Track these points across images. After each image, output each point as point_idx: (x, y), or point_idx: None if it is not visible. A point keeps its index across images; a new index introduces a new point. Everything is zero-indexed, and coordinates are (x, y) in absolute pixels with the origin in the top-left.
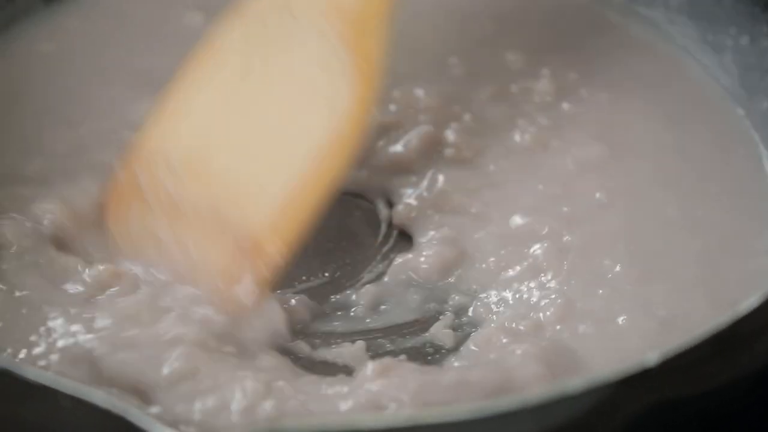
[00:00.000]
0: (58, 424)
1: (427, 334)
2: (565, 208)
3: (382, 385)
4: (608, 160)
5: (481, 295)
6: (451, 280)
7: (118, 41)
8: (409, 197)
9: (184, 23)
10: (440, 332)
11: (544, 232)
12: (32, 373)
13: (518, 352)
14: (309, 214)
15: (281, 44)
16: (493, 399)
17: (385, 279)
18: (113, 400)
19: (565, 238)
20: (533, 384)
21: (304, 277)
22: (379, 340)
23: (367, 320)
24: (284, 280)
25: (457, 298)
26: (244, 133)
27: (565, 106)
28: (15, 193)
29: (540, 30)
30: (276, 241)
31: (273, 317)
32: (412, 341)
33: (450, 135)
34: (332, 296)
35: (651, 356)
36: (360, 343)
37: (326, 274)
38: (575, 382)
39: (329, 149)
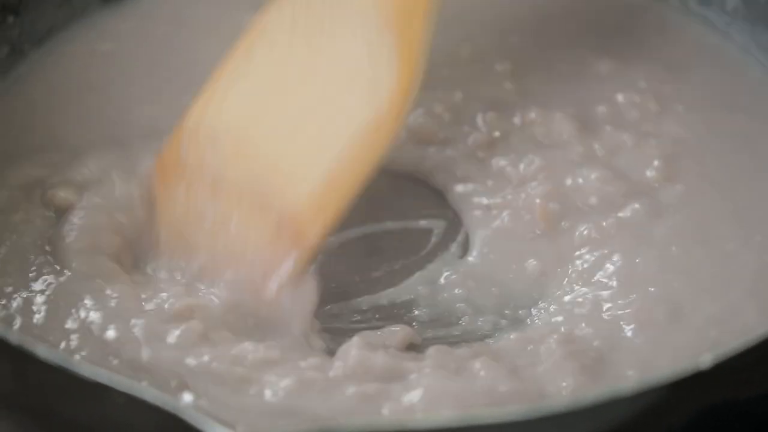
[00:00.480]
0: (110, 421)
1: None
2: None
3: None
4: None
5: (540, 305)
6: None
7: (176, 42)
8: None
9: (242, 24)
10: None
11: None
12: (87, 370)
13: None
14: (347, 196)
15: (327, 27)
16: (544, 401)
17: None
18: (165, 397)
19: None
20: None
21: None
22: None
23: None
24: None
25: None
26: (287, 114)
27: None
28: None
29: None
30: (315, 221)
31: (306, 299)
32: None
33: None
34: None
35: (705, 358)
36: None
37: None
38: (628, 383)
39: (370, 132)
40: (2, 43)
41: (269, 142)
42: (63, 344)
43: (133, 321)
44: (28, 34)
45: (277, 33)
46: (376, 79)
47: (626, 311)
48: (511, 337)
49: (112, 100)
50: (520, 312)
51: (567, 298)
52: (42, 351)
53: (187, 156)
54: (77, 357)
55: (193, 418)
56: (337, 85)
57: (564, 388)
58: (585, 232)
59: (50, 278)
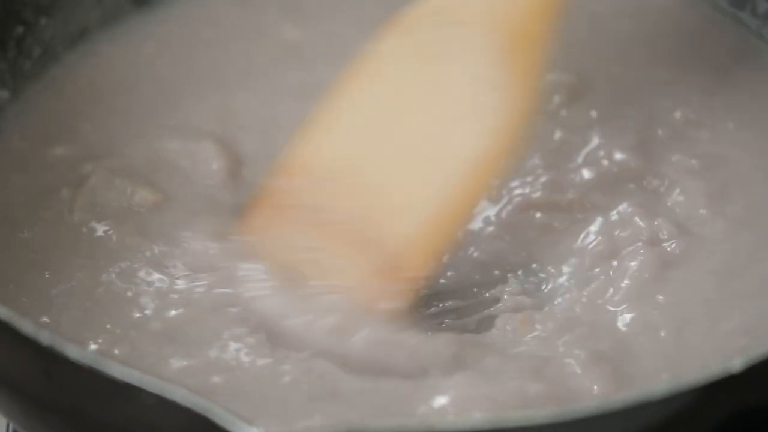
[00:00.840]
0: (140, 423)
1: None
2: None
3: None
4: None
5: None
6: None
7: (210, 48)
8: None
9: (276, 34)
10: None
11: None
12: (118, 371)
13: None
14: (453, 231)
15: (436, 57)
16: (574, 403)
17: None
18: (195, 398)
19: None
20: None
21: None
22: None
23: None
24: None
25: None
26: (393, 147)
27: None
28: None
29: None
30: (419, 259)
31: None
32: None
33: None
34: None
35: (736, 362)
36: None
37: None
38: (658, 387)
39: (477, 166)
40: (35, 45)
41: (373, 177)
42: None
43: None
44: (60, 36)
45: (384, 64)
46: (486, 111)
47: (653, 312)
48: (538, 334)
49: (145, 102)
50: (547, 310)
51: (591, 297)
52: (72, 351)
53: (289, 190)
54: (115, 352)
55: (223, 419)
56: (445, 118)
57: (594, 390)
58: (606, 243)
59: None
